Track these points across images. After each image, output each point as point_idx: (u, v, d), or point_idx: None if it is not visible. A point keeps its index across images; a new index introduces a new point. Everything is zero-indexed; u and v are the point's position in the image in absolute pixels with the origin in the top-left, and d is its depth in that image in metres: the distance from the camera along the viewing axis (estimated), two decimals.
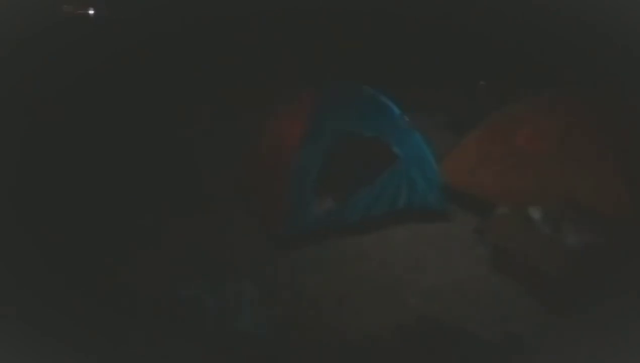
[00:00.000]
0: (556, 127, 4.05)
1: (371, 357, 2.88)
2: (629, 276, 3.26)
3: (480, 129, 4.50)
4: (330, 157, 3.88)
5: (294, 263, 3.64)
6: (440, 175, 4.20)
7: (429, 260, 3.73)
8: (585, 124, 3.99)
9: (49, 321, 2.99)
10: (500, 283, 3.49)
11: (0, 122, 4.20)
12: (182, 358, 2.87)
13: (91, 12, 4.99)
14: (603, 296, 3.21)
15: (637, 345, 2.90)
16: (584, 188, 3.76)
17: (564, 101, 4.28)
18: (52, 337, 2.87)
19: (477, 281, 3.51)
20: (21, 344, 2.78)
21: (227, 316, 3.14)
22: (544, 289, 3.31)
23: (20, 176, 4.16)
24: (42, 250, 3.57)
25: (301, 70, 5.86)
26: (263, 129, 4.34)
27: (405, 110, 4.23)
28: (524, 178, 4.01)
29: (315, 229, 3.83)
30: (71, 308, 3.10)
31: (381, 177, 4.00)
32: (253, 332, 3.04)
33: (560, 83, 5.56)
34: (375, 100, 4.18)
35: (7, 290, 3.20)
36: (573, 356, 2.88)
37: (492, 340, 2.98)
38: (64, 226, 3.86)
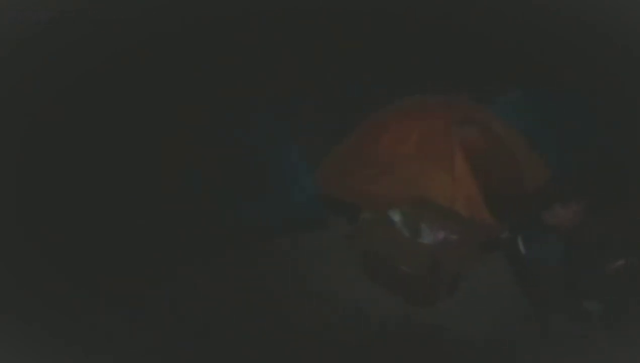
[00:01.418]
0: (417, 129, 4.23)
1: None
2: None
3: (352, 134, 4.61)
4: None
5: None
6: (315, 183, 4.32)
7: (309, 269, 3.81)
8: (442, 126, 4.22)
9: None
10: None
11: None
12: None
13: None
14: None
15: None
16: (440, 189, 3.95)
17: (425, 104, 4.56)
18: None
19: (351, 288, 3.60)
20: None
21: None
22: (407, 289, 3.46)
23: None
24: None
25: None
26: None
27: None
28: (385, 182, 4.11)
29: None
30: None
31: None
32: None
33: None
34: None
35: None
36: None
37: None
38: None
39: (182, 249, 3.86)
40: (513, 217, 3.56)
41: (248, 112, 4.74)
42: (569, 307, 2.91)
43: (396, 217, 3.73)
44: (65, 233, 3.80)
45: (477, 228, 3.75)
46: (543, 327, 2.98)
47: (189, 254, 3.82)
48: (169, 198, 4.34)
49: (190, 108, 4.95)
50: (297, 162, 4.35)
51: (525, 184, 4.04)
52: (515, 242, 3.03)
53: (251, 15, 5.46)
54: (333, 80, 5.53)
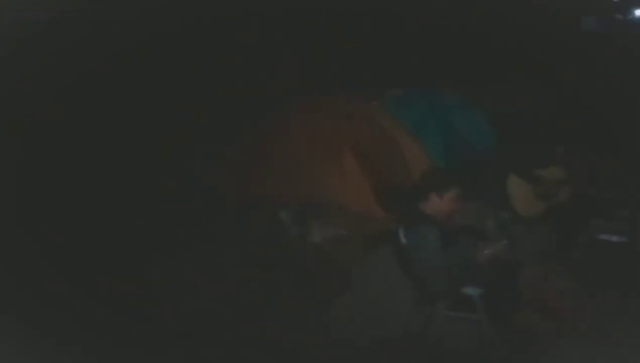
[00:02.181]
0: (305, 128, 4.36)
1: None
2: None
3: (243, 136, 4.74)
4: None
5: None
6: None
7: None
8: (329, 123, 4.36)
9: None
10: None
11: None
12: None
13: None
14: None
15: None
16: (329, 185, 4.05)
17: (312, 102, 4.67)
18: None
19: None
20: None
21: None
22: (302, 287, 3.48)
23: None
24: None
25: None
26: None
27: None
28: (275, 181, 4.22)
29: None
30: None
31: None
32: None
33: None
34: None
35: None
36: None
37: None
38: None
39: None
40: (399, 209, 3.64)
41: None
42: (451, 294, 3.00)
43: (286, 216, 3.78)
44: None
45: (367, 223, 3.84)
46: (430, 315, 3.07)
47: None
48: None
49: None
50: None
51: (411, 176, 4.13)
52: (397, 233, 3.11)
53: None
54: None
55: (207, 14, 5.25)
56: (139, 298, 3.32)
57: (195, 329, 3.12)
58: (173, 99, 5.11)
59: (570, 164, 4.18)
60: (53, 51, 4.45)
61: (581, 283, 3.50)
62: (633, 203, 4.10)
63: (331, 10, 5.71)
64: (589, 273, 3.73)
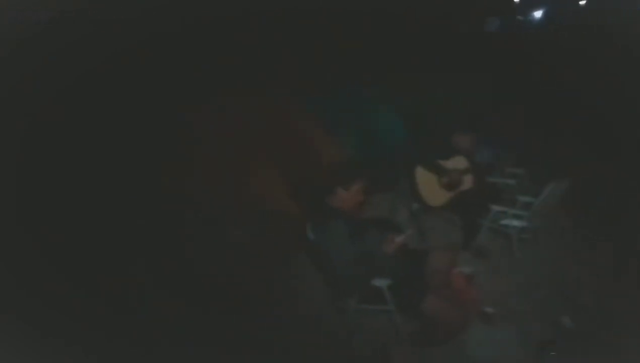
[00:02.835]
0: (220, 129, 4.45)
1: None
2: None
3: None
4: None
5: None
6: None
7: None
8: (241, 124, 4.45)
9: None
10: None
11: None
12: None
13: None
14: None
15: None
16: (246, 186, 4.16)
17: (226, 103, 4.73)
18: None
19: None
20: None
21: None
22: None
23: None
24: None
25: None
26: None
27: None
28: (189, 182, 4.34)
29: None
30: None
31: None
32: None
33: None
34: None
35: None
36: None
37: None
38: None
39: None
40: (309, 204, 3.70)
41: None
42: (361, 286, 3.02)
43: (204, 216, 3.86)
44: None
45: (283, 220, 3.91)
46: (342, 309, 3.10)
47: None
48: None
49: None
50: None
51: (322, 172, 4.24)
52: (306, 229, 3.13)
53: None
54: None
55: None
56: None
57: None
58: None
59: (473, 154, 4.43)
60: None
61: (485, 268, 3.72)
62: (533, 189, 4.29)
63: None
64: (492, 258, 3.98)
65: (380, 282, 2.97)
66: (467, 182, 4.41)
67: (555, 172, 4.25)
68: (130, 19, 4.84)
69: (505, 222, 4.22)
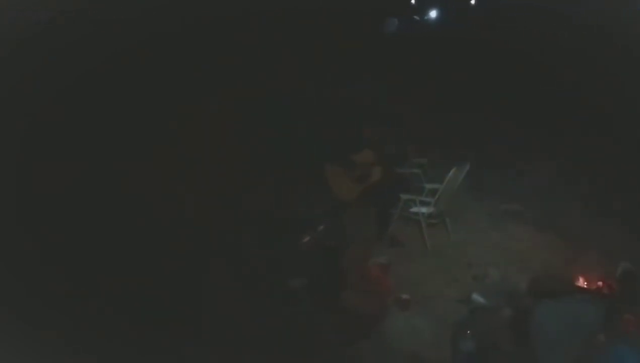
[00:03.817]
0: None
1: None
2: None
3: None
4: None
5: None
6: None
7: None
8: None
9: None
10: None
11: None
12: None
13: None
14: None
15: None
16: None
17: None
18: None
19: None
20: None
21: None
22: None
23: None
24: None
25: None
26: None
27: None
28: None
29: None
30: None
31: None
32: None
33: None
34: None
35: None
36: None
37: None
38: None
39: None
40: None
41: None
42: (277, 287, 3.04)
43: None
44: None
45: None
46: (262, 311, 3.11)
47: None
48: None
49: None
50: None
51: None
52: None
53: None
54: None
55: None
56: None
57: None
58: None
59: (380, 147, 4.52)
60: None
61: (399, 256, 3.83)
62: (439, 177, 4.44)
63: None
64: (405, 246, 4.12)
65: (296, 282, 2.97)
66: (376, 174, 4.49)
67: (455, 158, 4.46)
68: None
69: (414, 209, 4.36)
